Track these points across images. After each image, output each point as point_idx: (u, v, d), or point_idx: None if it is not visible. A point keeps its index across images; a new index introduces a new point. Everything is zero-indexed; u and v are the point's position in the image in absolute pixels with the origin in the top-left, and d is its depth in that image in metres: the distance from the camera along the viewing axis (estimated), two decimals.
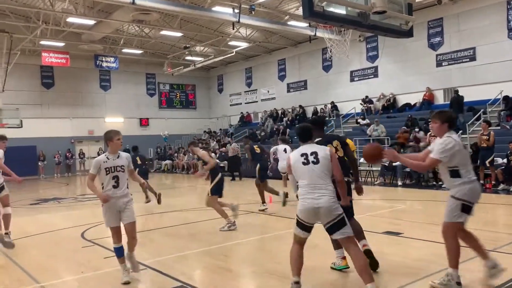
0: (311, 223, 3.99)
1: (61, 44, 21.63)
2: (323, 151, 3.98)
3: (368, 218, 7.89)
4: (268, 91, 26.53)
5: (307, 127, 4.14)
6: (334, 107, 22.01)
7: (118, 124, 27.80)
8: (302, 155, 4.01)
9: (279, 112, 25.13)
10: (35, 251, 6.58)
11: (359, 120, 19.56)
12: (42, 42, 21.20)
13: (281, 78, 25.66)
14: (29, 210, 11.41)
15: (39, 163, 23.55)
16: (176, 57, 26.04)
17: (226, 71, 29.76)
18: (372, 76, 20.80)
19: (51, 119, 24.88)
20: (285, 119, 24.14)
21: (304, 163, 3.96)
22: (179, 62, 26.25)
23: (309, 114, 23.53)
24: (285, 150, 9.95)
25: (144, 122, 28.74)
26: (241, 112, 27.96)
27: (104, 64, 24.04)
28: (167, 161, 25.71)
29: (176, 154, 25.88)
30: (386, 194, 11.97)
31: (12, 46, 19.77)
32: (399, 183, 13.61)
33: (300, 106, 23.78)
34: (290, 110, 24.28)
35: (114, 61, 24.19)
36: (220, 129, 28.33)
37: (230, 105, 29.40)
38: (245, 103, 28.15)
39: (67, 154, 25.00)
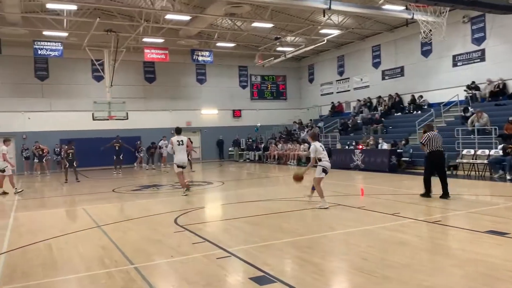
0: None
1: (161, 40, 23.09)
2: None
3: (469, 216, 7.43)
4: (362, 79, 25.53)
5: None
6: (420, 97, 20.83)
7: (212, 116, 29.02)
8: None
9: (374, 101, 24.05)
10: (134, 233, 7.08)
11: (461, 112, 17.84)
12: (144, 39, 22.83)
13: (376, 65, 24.46)
14: (131, 195, 12.39)
15: (136, 154, 25.01)
16: (267, 48, 26.23)
17: (317, 60, 29.28)
18: (478, 60, 18.81)
19: (153, 111, 26.75)
20: (380, 108, 23.02)
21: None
22: (270, 54, 26.40)
23: (406, 102, 22.16)
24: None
25: (237, 114, 29.55)
26: (332, 102, 27.38)
27: (200, 58, 25.11)
28: (259, 152, 26.14)
29: (263, 145, 26.17)
30: (492, 189, 11.20)
31: (119, 44, 21.61)
32: (508, 177, 12.56)
33: (397, 94, 22.48)
34: (386, 98, 23.09)
35: (209, 55, 25.15)
36: (311, 120, 28.00)
37: (321, 94, 28.95)
38: (337, 92, 27.49)
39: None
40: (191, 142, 23.02)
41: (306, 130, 25.26)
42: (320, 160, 9.06)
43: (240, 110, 29.67)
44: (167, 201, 10.96)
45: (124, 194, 12.61)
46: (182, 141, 12.03)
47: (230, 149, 28.52)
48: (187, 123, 28.05)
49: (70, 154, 16.78)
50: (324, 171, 9.01)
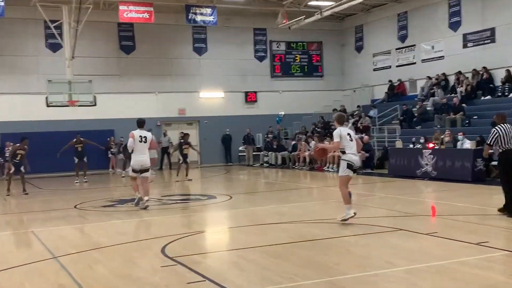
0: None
1: None
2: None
3: None
4: (433, 47, 25.33)
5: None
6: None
7: (217, 100, 29.18)
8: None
9: (451, 78, 23.83)
10: (103, 268, 7.18)
11: None
12: None
13: (454, 26, 24.21)
14: (100, 214, 12.54)
15: (109, 154, 25.48)
16: (295, 3, 26.20)
17: (368, 20, 29.16)
18: None
19: (132, 94, 27.08)
20: (460, 88, 22.75)
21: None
22: (299, 11, 26.38)
23: (498, 80, 21.86)
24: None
25: (251, 97, 29.65)
26: (390, 81, 27.32)
27: (199, 18, 25.24)
28: (282, 152, 26.18)
29: (291, 142, 26.20)
30: None
31: None
32: None
33: (485, 69, 22.19)
34: (469, 74, 22.83)
35: (211, 13, 25.26)
36: (358, 106, 27.94)
37: (374, 69, 28.92)
38: (397, 66, 27.39)
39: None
40: (156, 142, 22.91)
41: (350, 121, 25.20)
42: (344, 152, 9.56)
43: (255, 92, 29.81)
44: (152, 222, 11.05)
45: (91, 212, 12.77)
46: (145, 137, 12.64)
47: (240, 148, 28.72)
48: (180, 111, 28.30)
49: (19, 155, 17.05)
50: (350, 167, 9.56)
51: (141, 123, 12.88)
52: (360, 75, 29.65)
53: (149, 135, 12.77)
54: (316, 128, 26.95)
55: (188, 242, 8.72)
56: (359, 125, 24.52)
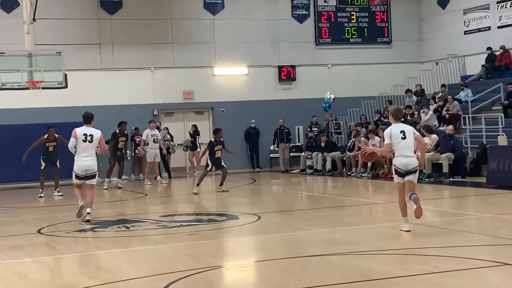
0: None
1: None
2: None
3: None
4: None
5: None
6: None
7: (239, 78, 29.26)
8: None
9: None
10: None
11: None
12: None
13: None
14: (74, 242, 12.66)
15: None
16: None
17: None
18: None
19: (118, 72, 27.38)
20: None
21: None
22: None
23: None
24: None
25: (287, 74, 29.61)
26: (489, 48, 27.15)
27: None
28: (333, 153, 26.07)
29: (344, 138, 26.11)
30: None
31: None
32: None
33: None
34: None
35: None
36: (443, 86, 27.69)
37: (465, 32, 28.80)
38: (499, 27, 27.26)
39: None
40: (125, 138, 23.40)
41: (432, 107, 24.94)
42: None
43: (293, 66, 29.81)
44: (147, 253, 11.08)
45: (61, 239, 12.87)
46: (91, 136, 13.92)
47: (272, 147, 28.81)
48: (186, 94, 28.41)
49: None
50: (398, 172, 11.33)
51: (87, 119, 14.41)
52: (446, 41, 29.51)
53: (97, 133, 14.12)
54: (383, 118, 26.71)
55: (197, 282, 8.71)
56: (444, 112, 24.26)
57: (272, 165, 28.74)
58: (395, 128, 11.24)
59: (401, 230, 11.40)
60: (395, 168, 11.32)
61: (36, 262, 10.75)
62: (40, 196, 20.55)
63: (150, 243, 12.05)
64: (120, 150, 23.04)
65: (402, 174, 11.19)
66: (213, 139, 20.41)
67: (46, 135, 20.79)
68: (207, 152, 20.30)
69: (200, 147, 26.85)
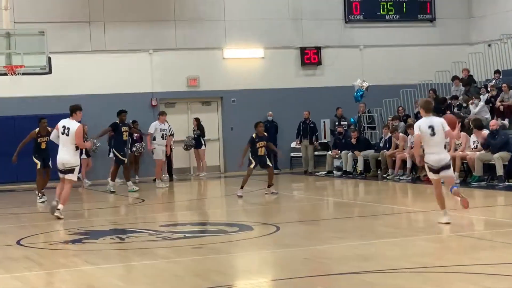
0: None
1: None
2: None
3: None
4: None
5: None
6: None
7: (253, 62, 29.32)
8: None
9: None
10: None
11: None
12: None
13: None
14: (60, 255, 12.72)
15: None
16: None
17: None
18: None
19: (109, 53, 27.55)
20: None
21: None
22: None
23: None
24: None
25: (311, 58, 29.63)
26: None
27: None
28: (366, 151, 26.10)
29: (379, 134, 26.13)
30: None
31: None
32: None
33: None
34: None
35: None
36: (497, 72, 27.66)
37: None
38: None
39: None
40: (127, 128, 23.87)
41: (483, 97, 24.92)
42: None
43: (318, 48, 29.84)
44: (145, 269, 11.16)
45: (44, 252, 12.96)
46: (68, 128, 15.50)
47: (293, 144, 28.98)
48: (191, 81, 28.50)
49: None
50: (432, 170, 12.91)
51: (71, 110, 16.17)
52: (500, 18, 29.51)
53: (74, 125, 15.40)
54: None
55: None
56: (497, 104, 24.21)
57: (293, 166, 28.80)
58: (424, 123, 12.72)
59: (439, 223, 13.16)
60: (427, 166, 12.93)
61: (15, 278, 10.81)
62: (43, 201, 20.62)
63: (149, 258, 12.03)
64: (125, 143, 23.16)
65: (435, 170, 12.80)
66: (254, 135, 20.61)
67: (38, 129, 20.83)
68: (249, 148, 20.60)
69: (205, 145, 26.98)
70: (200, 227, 16.25)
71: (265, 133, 20.59)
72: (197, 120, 27.57)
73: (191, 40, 28.20)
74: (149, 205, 20.69)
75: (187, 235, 14.62)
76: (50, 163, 20.88)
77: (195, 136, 27.34)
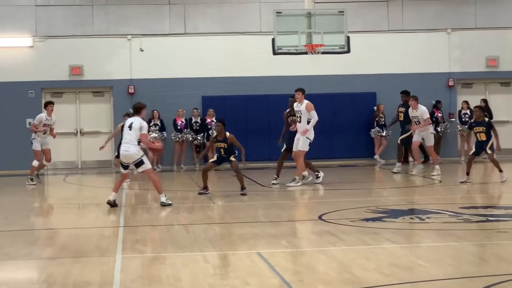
0: None
1: None
2: None
3: None
4: None
5: None
6: None
7: None
8: None
9: None
10: None
11: None
12: None
13: None
14: (361, 231, 12.99)
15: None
16: None
17: None
18: None
19: (407, 33, 27.67)
20: None
21: None
22: None
23: None
24: None
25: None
26: None
27: None
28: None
29: None
30: None
31: None
32: None
33: None
34: None
35: None
36: None
37: None
38: None
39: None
40: None
41: None
42: None
43: None
44: (447, 251, 11.17)
45: (345, 228, 13.36)
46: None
47: None
48: (489, 61, 28.00)
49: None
50: None
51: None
52: None
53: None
54: None
55: None
56: None
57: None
58: None
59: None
60: None
61: (320, 252, 11.23)
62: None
63: (451, 239, 12.06)
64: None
65: None
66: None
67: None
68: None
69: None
70: (503, 210, 15.95)
71: None
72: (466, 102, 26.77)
73: (491, 19, 27.68)
74: (443, 186, 20.55)
75: (490, 218, 14.51)
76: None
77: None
